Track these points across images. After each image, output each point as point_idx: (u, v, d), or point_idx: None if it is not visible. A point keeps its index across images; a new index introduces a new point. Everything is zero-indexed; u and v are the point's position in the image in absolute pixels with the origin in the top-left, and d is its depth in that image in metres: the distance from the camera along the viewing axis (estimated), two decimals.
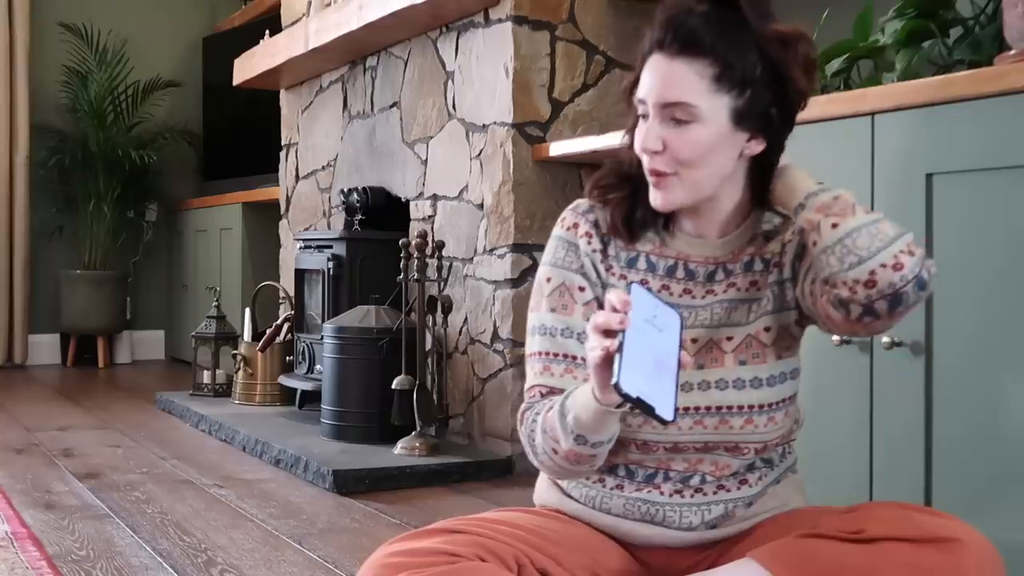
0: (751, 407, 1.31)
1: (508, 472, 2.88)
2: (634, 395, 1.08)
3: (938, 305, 1.84)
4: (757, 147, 1.29)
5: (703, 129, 1.25)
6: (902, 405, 1.87)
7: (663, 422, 1.10)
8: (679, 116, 1.25)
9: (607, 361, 1.11)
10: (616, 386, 1.08)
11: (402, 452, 2.92)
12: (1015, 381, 1.73)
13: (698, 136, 1.25)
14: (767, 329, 1.33)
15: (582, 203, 1.41)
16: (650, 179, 1.30)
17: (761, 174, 1.32)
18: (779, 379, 1.33)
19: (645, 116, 1.29)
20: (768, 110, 1.28)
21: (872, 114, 1.95)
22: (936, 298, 1.84)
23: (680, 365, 1.13)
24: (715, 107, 1.25)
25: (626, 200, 1.36)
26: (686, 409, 1.30)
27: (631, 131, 1.35)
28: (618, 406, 1.17)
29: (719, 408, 1.30)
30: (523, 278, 2.95)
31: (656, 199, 1.30)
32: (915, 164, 1.87)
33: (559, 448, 1.25)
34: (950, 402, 1.83)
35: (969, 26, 2.11)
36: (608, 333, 1.11)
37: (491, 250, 3.05)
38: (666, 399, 1.11)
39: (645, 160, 1.29)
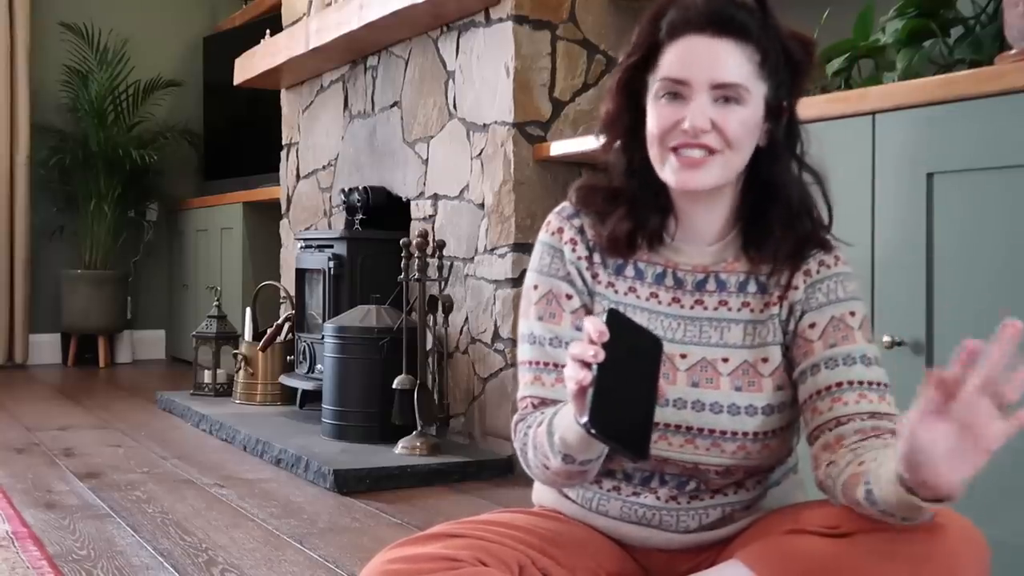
0: (745, 434, 1.28)
1: (509, 471, 2.88)
2: (603, 436, 1.06)
3: (939, 304, 1.84)
4: (763, 140, 1.30)
5: (748, 111, 1.25)
6: (903, 404, 1.86)
7: (634, 460, 1.08)
8: (730, 97, 1.24)
9: (583, 393, 1.08)
10: (584, 426, 1.06)
11: (403, 452, 2.92)
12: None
13: (745, 116, 1.25)
14: (765, 360, 1.30)
15: (566, 207, 1.39)
16: (675, 158, 1.25)
17: (752, 180, 1.32)
18: (777, 408, 1.30)
19: (673, 96, 1.25)
20: (781, 104, 1.29)
21: (873, 113, 1.94)
22: (937, 297, 1.84)
23: (658, 395, 1.11)
24: (758, 92, 1.26)
25: (625, 219, 1.33)
26: (678, 427, 1.28)
27: (617, 122, 1.33)
28: None
29: (712, 431, 1.28)
30: (524, 277, 2.94)
31: (687, 179, 1.25)
32: (916, 163, 1.87)
33: (550, 465, 1.24)
34: None
35: (970, 25, 2.11)
36: (584, 363, 1.08)
37: (492, 249, 3.05)
38: (640, 435, 1.08)
39: (680, 140, 1.24)
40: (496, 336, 3.04)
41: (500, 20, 3.04)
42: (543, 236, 1.39)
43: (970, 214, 1.80)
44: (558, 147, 2.91)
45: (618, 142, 1.35)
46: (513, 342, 2.95)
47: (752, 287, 1.33)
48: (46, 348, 5.80)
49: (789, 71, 1.29)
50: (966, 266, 1.80)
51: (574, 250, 1.35)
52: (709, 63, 1.23)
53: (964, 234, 1.80)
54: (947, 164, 1.83)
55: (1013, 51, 1.85)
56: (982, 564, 1.17)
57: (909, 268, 1.88)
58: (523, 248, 2.95)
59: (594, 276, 1.35)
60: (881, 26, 2.20)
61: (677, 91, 1.25)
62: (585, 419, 1.06)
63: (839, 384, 1.26)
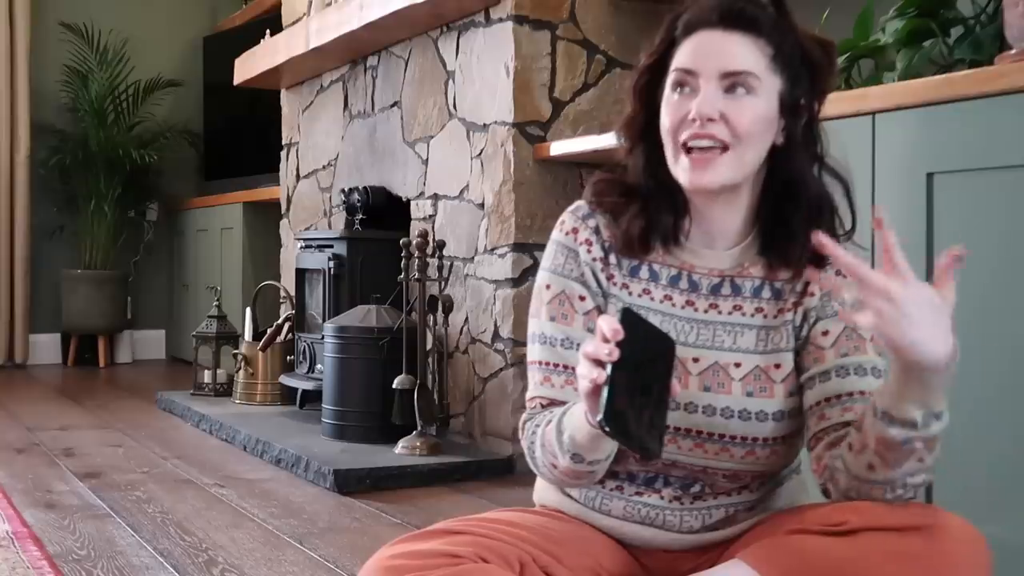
0: (755, 439, 1.28)
1: (509, 471, 2.88)
2: (617, 434, 1.07)
3: None
4: (780, 138, 1.29)
5: (761, 102, 1.25)
6: None
7: (647, 459, 1.08)
8: (740, 87, 1.24)
9: (596, 391, 1.08)
10: (600, 423, 1.07)
11: (403, 451, 2.92)
12: (1015, 381, 1.73)
13: (757, 108, 1.25)
14: (777, 366, 1.30)
15: (582, 206, 1.38)
16: (687, 157, 1.25)
17: (771, 183, 1.32)
18: (788, 414, 1.30)
19: (684, 88, 1.26)
20: (799, 103, 1.29)
21: (873, 113, 1.95)
22: None
23: (670, 394, 1.11)
24: (770, 85, 1.26)
25: (638, 216, 1.33)
26: (688, 430, 1.29)
27: (635, 123, 1.34)
28: None
29: (722, 436, 1.28)
30: (524, 278, 2.95)
31: (699, 177, 1.25)
32: (916, 163, 1.87)
33: (558, 464, 1.25)
34: (950, 402, 1.82)
35: (970, 25, 2.11)
36: (598, 362, 1.08)
37: (492, 249, 3.05)
38: (653, 433, 1.09)
39: (689, 132, 1.25)
40: (496, 336, 3.04)
41: (500, 20, 3.04)
42: (557, 235, 1.38)
43: (970, 214, 1.80)
44: (558, 147, 2.91)
45: (639, 145, 1.35)
46: (513, 342, 2.95)
47: (767, 293, 1.33)
48: (46, 348, 5.80)
49: (808, 71, 1.29)
50: (966, 266, 1.80)
51: (589, 251, 1.35)
52: (718, 53, 1.24)
53: (964, 234, 1.80)
54: (947, 164, 1.83)
55: (1013, 51, 1.85)
56: (984, 564, 1.17)
57: None
58: (523, 248, 2.95)
59: (609, 277, 1.35)
60: (881, 26, 2.21)
61: (687, 82, 1.26)
62: (600, 417, 1.06)
63: (850, 394, 1.26)
